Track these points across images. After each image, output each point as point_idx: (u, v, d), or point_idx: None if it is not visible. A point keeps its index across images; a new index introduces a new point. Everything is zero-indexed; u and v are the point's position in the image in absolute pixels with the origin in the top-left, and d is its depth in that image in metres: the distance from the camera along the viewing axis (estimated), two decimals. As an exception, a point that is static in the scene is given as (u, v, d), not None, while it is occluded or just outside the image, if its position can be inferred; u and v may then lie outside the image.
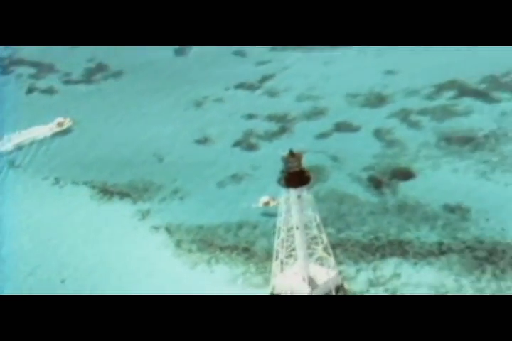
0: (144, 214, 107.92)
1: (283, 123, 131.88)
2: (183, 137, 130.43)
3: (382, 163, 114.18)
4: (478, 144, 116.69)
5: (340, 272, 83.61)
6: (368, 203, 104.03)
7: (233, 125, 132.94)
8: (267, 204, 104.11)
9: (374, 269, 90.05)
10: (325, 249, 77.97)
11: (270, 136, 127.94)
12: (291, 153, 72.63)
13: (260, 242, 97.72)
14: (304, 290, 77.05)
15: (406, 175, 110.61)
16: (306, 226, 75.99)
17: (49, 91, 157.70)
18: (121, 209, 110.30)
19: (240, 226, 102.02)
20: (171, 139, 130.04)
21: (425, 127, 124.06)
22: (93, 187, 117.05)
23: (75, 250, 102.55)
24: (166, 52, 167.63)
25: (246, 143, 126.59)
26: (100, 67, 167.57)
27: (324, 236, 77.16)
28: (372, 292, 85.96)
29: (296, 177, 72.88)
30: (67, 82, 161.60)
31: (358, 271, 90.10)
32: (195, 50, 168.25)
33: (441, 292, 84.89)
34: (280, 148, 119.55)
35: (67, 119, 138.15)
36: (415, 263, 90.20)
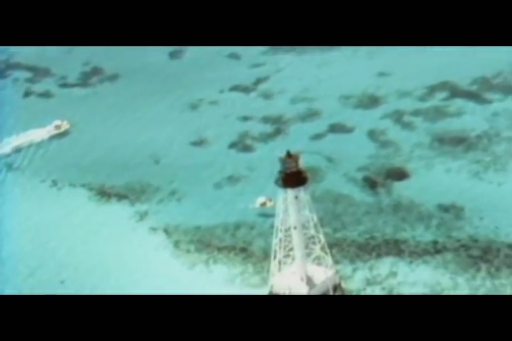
0: (142, 216, 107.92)
1: (278, 125, 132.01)
2: (179, 139, 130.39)
3: (377, 164, 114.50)
4: (471, 144, 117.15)
5: (337, 271, 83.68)
6: (363, 203, 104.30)
7: (229, 127, 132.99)
8: (263, 204, 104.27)
9: (370, 268, 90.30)
10: (322, 249, 77.99)
11: (265, 138, 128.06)
12: (289, 154, 72.70)
13: (257, 242, 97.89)
14: (302, 289, 77.04)
15: (400, 175, 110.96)
16: (304, 226, 75.99)
17: (45, 94, 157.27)
18: (119, 211, 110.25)
19: (237, 226, 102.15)
20: (167, 141, 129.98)
21: (418, 128, 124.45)
22: (91, 189, 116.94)
23: (74, 251, 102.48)
24: (160, 55, 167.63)
25: (242, 145, 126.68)
26: (96, 71, 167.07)
27: (322, 236, 77.24)
28: (369, 291, 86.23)
29: (293, 177, 72.93)
30: (63, 86, 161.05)
31: (354, 270, 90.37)
32: (190, 53, 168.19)
33: (437, 290, 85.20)
34: (275, 149, 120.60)
35: (65, 122, 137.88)
36: (411, 262, 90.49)
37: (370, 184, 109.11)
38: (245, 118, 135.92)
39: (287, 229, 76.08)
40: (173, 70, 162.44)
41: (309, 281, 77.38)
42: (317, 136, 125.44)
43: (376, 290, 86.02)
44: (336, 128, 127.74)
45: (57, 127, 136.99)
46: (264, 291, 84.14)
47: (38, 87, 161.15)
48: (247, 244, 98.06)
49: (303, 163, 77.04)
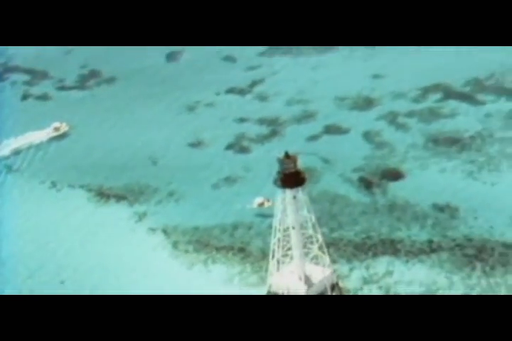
0: (141, 216, 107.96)
1: (274, 127, 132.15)
2: (176, 141, 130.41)
3: (372, 164, 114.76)
4: (465, 145, 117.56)
5: (334, 270, 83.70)
6: (360, 203, 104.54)
7: (225, 129, 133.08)
8: (261, 205, 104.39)
9: (367, 267, 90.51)
10: (320, 248, 77.84)
11: (262, 139, 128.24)
12: (287, 155, 72.53)
13: (255, 242, 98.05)
14: (300, 288, 76.86)
15: (395, 175, 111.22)
16: (302, 226, 75.76)
17: (43, 97, 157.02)
18: (118, 212, 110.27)
19: (235, 226, 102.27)
20: (164, 143, 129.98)
21: (413, 129, 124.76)
22: (90, 190, 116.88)
23: (74, 252, 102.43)
24: (157, 58, 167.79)
25: (238, 146, 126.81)
26: (93, 74, 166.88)
27: (319, 236, 77.06)
28: (366, 289, 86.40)
29: (291, 178, 72.73)
30: (61, 88, 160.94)
31: (351, 269, 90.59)
32: (187, 55, 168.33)
33: (433, 289, 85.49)
34: (272, 150, 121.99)
35: (64, 124, 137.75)
36: (407, 261, 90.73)
37: (366, 184, 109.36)
38: (242, 120, 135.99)
39: (285, 229, 75.90)
40: (170, 73, 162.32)
41: (307, 280, 77.19)
42: (313, 138, 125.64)
43: (373, 289, 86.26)
44: (331, 130, 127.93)
45: (56, 129, 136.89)
46: (262, 290, 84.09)
47: (35, 90, 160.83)
48: (245, 244, 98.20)
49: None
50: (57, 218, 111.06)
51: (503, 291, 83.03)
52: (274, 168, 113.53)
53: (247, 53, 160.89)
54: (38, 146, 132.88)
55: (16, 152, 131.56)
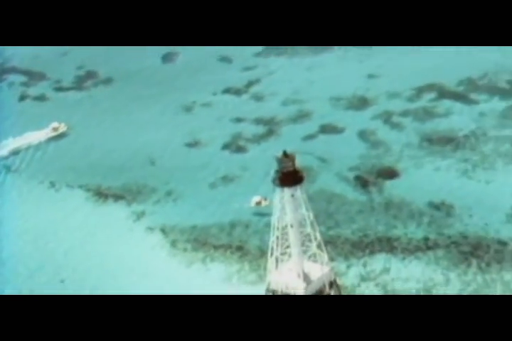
0: (139, 216, 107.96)
1: (270, 126, 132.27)
2: (173, 141, 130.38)
3: (368, 163, 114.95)
4: (459, 144, 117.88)
5: (332, 268, 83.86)
6: (356, 202, 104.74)
7: (222, 129, 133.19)
8: (258, 203, 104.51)
9: (364, 265, 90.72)
10: (318, 246, 77.95)
11: (258, 139, 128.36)
12: (285, 154, 72.64)
13: (253, 240, 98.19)
14: (299, 285, 76.98)
15: (391, 174, 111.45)
16: (300, 224, 75.83)
17: (41, 98, 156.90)
18: (117, 211, 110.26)
19: (232, 225, 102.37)
20: (162, 143, 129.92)
21: (407, 128, 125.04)
22: (88, 190, 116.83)
23: (73, 251, 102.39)
24: (153, 59, 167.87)
25: (235, 146, 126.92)
26: (90, 75, 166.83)
27: (318, 234, 77.12)
28: (363, 286, 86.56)
29: (290, 176, 72.92)
30: (58, 89, 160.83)
31: (348, 266, 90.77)
32: (183, 56, 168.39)
33: (429, 285, 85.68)
34: (268, 150, 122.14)
35: (62, 124, 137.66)
36: (403, 259, 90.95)
37: (362, 183, 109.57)
38: (238, 120, 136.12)
39: (284, 227, 75.97)
40: (167, 74, 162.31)
41: (306, 278, 77.30)
42: (309, 137, 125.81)
43: (370, 286, 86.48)
44: (327, 129, 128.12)
45: (55, 129, 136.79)
46: (261, 288, 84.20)
47: (33, 91, 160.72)
48: (243, 243, 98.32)
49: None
50: (56, 218, 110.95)
51: (498, 287, 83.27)
52: (271, 167, 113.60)
53: (243, 54, 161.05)
54: (37, 146, 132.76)
55: (15, 152, 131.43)
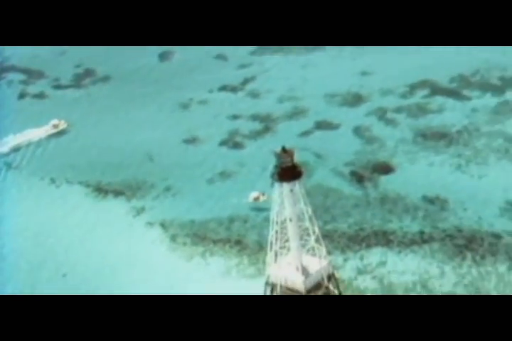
0: (139, 211, 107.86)
1: (266, 123, 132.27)
2: (171, 138, 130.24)
3: (363, 159, 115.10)
4: (452, 139, 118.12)
5: (330, 261, 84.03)
6: (352, 196, 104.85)
7: (219, 125, 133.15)
8: (256, 199, 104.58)
9: (361, 258, 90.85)
10: (317, 240, 78.05)
11: (255, 135, 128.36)
12: (284, 149, 72.48)
13: (251, 235, 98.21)
14: (298, 278, 77.13)
15: (386, 169, 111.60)
16: (299, 219, 75.79)
17: (40, 96, 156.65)
18: (116, 207, 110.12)
19: (231, 220, 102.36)
20: (160, 140, 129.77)
21: (401, 124, 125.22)
22: (88, 186, 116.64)
23: (73, 247, 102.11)
24: (150, 57, 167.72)
25: (232, 142, 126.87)
26: (88, 73, 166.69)
27: (316, 228, 77.18)
28: (360, 279, 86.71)
29: (288, 172, 72.72)
30: (57, 87, 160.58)
31: (345, 260, 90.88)
32: (179, 55, 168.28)
33: (425, 278, 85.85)
34: (265, 146, 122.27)
35: (62, 121, 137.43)
36: (399, 252, 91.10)
37: (358, 178, 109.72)
38: (235, 117, 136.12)
39: (283, 222, 76.00)
40: (163, 72, 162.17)
41: (304, 271, 77.36)
42: (304, 133, 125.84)
43: (367, 279, 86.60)
44: (322, 126, 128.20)
45: (55, 126, 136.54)
46: (260, 281, 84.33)
47: (32, 89, 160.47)
48: (241, 237, 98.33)
49: (294, 158, 77.36)
50: (56, 213, 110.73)
51: (493, 280, 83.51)
52: (268, 163, 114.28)
53: (238, 52, 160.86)
54: (37, 143, 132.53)
55: (16, 149, 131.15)
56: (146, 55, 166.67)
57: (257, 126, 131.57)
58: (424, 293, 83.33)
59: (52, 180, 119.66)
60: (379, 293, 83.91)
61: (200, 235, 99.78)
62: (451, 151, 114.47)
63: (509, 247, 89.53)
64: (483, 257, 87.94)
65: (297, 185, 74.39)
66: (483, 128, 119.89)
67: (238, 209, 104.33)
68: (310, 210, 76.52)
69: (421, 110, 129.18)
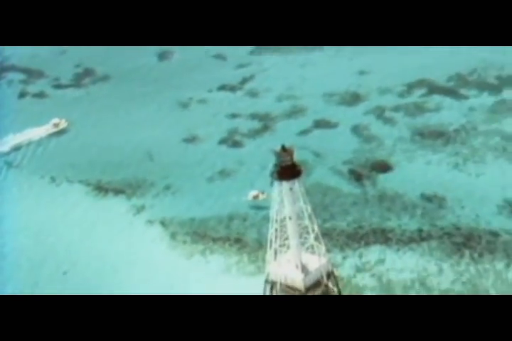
0: (139, 209, 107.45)
1: (265, 122, 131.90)
2: (171, 137, 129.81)
3: (361, 157, 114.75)
4: (450, 138, 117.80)
5: (330, 259, 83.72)
6: (350, 194, 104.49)
7: (218, 124, 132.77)
8: (256, 197, 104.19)
9: (360, 256, 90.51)
10: (316, 238, 77.71)
11: (254, 134, 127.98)
12: (284, 148, 72.03)
13: (251, 233, 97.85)
14: (297, 276, 76.81)
15: (384, 167, 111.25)
16: (298, 217, 75.41)
17: (40, 95, 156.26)
18: (117, 205, 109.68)
19: (230, 218, 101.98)
20: (160, 139, 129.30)
21: (399, 123, 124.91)
22: (88, 184, 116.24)
23: (74, 244, 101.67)
24: (149, 57, 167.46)
25: (231, 141, 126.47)
26: (88, 72, 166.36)
27: (315, 226, 76.85)
28: (359, 277, 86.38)
29: (288, 170, 72.28)
30: (57, 87, 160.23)
31: (344, 258, 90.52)
32: (178, 55, 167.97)
33: (423, 275, 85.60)
34: (263, 145, 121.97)
35: (63, 120, 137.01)
36: (398, 250, 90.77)
37: (356, 176, 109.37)
38: (234, 116, 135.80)
39: (282, 220, 75.67)
40: (163, 72, 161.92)
41: (304, 269, 77.02)
42: (303, 132, 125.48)
43: (366, 277, 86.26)
44: (320, 124, 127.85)
45: (56, 125, 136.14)
46: (260, 279, 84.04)
47: (32, 88, 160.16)
48: (241, 235, 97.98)
49: (292, 157, 76.96)
50: (57, 212, 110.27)
51: (491, 277, 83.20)
52: (267, 162, 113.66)
53: (237, 52, 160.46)
54: (38, 142, 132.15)
55: (16, 148, 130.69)
56: (146, 54, 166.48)
57: (256, 124, 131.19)
58: (422, 290, 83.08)
59: (53, 179, 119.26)
60: (378, 290, 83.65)
61: (200, 233, 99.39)
62: (448, 150, 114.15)
63: (507, 245, 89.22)
64: (481, 255, 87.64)
65: (297, 184, 74.00)
66: (480, 127, 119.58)
67: (238, 207, 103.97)
68: (309, 208, 76.15)
69: (418, 109, 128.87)
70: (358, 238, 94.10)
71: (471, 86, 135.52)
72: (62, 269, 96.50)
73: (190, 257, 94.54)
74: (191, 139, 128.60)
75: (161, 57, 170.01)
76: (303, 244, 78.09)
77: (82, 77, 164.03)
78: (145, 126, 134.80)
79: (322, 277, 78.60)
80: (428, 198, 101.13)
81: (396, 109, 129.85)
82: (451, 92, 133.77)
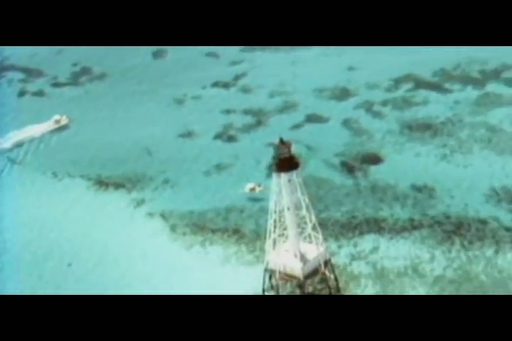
0: (139, 203, 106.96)
1: (258, 117, 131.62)
2: (168, 133, 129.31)
3: (353, 150, 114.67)
4: (437, 130, 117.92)
5: (327, 248, 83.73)
6: (343, 186, 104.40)
7: (213, 120, 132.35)
8: (253, 189, 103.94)
9: (354, 245, 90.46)
10: (313, 228, 77.75)
11: (248, 129, 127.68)
12: (282, 141, 71.86)
13: (248, 224, 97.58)
14: (296, 265, 76.82)
15: (374, 159, 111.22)
16: (296, 207, 75.49)
17: (39, 93, 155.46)
18: (117, 199, 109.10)
19: (228, 210, 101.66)
20: (157, 135, 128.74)
21: (388, 116, 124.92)
22: (89, 179, 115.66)
23: (77, 238, 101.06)
24: (144, 56, 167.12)
25: (226, 136, 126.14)
26: (85, 71, 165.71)
27: (313, 216, 76.91)
28: (355, 265, 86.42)
29: (286, 162, 72.20)
30: (55, 85, 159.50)
31: (339, 247, 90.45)
32: (172, 53, 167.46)
33: (416, 262, 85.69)
34: (258, 139, 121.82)
35: (64, 117, 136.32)
36: (391, 238, 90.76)
37: (348, 168, 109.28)
38: (228, 112, 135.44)
39: (281, 211, 75.63)
40: (158, 70, 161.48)
41: (302, 258, 77.08)
42: (296, 126, 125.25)
43: (361, 265, 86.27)
44: (312, 119, 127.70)
45: (57, 122, 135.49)
46: (258, 268, 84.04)
47: (31, 87, 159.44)
48: (238, 226, 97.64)
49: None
50: (59, 206, 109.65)
51: (481, 263, 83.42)
52: (261, 155, 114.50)
53: (229, 50, 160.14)
54: (40, 139, 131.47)
55: (19, 145, 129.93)
56: (140, 53, 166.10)
57: (250, 120, 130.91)
58: (415, 276, 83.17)
59: (55, 174, 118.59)
60: (373, 277, 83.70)
61: (199, 225, 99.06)
62: (436, 142, 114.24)
63: (495, 232, 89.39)
64: (470, 242, 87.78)
65: (294, 175, 74.01)
66: (466, 120, 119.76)
67: (235, 199, 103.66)
68: (307, 199, 76.18)
69: (406, 103, 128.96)
70: (352, 228, 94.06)
71: (455, 80, 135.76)
72: (65, 262, 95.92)
73: (190, 248, 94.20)
74: (187, 135, 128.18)
75: (156, 55, 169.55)
76: (301, 233, 78.12)
77: (80, 75, 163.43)
78: (142, 122, 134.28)
79: (320, 265, 78.67)
80: (418, 188, 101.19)
81: (384, 103, 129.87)
82: (436, 87, 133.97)
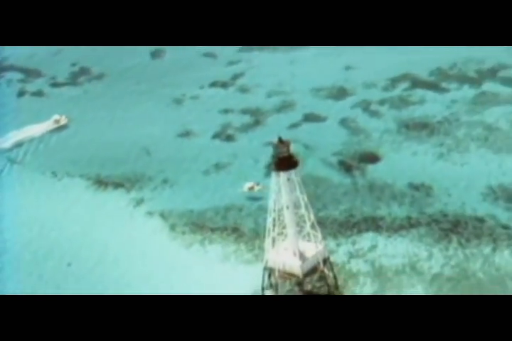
0: (138, 202, 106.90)
1: (256, 117, 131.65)
2: (166, 133, 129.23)
3: (350, 149, 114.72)
4: (434, 129, 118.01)
5: (326, 246, 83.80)
6: (341, 185, 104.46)
7: (211, 119, 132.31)
8: (251, 188, 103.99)
9: (353, 243, 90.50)
10: (312, 226, 77.97)
11: (246, 128, 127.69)
12: (281, 140, 72.11)
13: (247, 223, 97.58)
14: (295, 263, 77.07)
15: (372, 158, 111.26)
16: (295, 206, 75.80)
17: (38, 93, 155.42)
18: (117, 198, 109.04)
19: (227, 209, 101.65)
20: (156, 135, 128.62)
21: (385, 116, 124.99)
22: (88, 179, 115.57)
23: (76, 237, 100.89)
24: (143, 56, 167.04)
25: (224, 135, 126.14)
26: (83, 71, 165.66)
27: (311, 215, 77.17)
28: (353, 263, 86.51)
29: (285, 161, 72.51)
30: (54, 85, 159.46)
31: (338, 245, 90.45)
32: (170, 53, 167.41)
33: (414, 260, 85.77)
34: (256, 138, 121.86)
35: (63, 117, 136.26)
36: (389, 236, 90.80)
37: (346, 167, 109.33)
38: (226, 111, 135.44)
39: (280, 209, 75.87)
40: (156, 70, 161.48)
41: (301, 256, 77.37)
42: (293, 126, 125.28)
43: (359, 263, 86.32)
44: (310, 118, 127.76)
45: (57, 121, 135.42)
46: (257, 266, 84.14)
47: (30, 87, 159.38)
48: (238, 225, 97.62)
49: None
50: (58, 206, 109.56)
51: (479, 261, 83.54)
52: (259, 154, 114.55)
53: (227, 50, 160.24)
54: (39, 139, 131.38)
55: (18, 145, 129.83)
56: (139, 54, 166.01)
57: (248, 119, 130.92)
58: (413, 274, 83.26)
59: (54, 174, 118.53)
60: (371, 275, 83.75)
61: (198, 224, 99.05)
62: (433, 141, 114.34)
63: (492, 230, 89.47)
64: (468, 240, 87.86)
65: (293, 174, 74.26)
66: (462, 118, 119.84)
67: (234, 198, 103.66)
68: (305, 198, 76.43)
69: (403, 102, 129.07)
70: (350, 226, 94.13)
71: (451, 79, 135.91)
72: (65, 261, 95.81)
73: (190, 247, 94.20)
74: (186, 134, 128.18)
75: (154, 55, 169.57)
76: (300, 232, 78.36)
77: (78, 75, 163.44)
78: (141, 122, 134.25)
79: (319, 263, 78.95)
80: (416, 187, 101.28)
81: (381, 102, 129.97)
82: (433, 86, 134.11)
